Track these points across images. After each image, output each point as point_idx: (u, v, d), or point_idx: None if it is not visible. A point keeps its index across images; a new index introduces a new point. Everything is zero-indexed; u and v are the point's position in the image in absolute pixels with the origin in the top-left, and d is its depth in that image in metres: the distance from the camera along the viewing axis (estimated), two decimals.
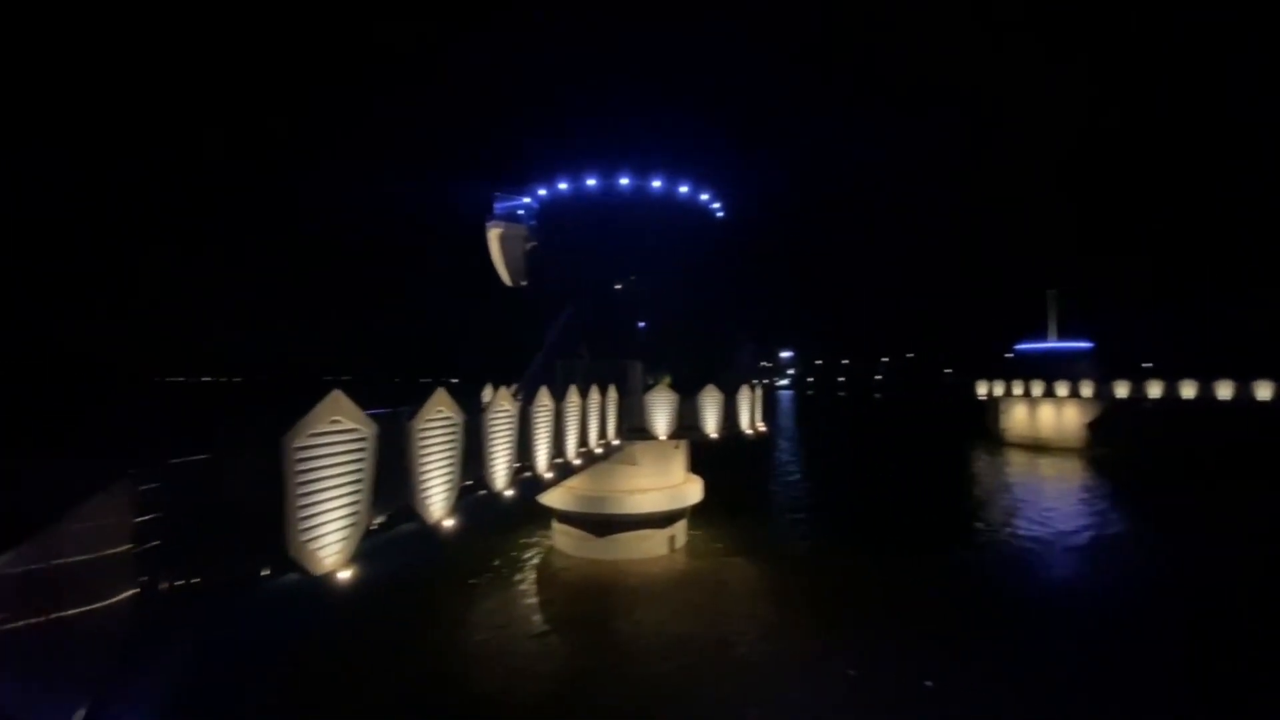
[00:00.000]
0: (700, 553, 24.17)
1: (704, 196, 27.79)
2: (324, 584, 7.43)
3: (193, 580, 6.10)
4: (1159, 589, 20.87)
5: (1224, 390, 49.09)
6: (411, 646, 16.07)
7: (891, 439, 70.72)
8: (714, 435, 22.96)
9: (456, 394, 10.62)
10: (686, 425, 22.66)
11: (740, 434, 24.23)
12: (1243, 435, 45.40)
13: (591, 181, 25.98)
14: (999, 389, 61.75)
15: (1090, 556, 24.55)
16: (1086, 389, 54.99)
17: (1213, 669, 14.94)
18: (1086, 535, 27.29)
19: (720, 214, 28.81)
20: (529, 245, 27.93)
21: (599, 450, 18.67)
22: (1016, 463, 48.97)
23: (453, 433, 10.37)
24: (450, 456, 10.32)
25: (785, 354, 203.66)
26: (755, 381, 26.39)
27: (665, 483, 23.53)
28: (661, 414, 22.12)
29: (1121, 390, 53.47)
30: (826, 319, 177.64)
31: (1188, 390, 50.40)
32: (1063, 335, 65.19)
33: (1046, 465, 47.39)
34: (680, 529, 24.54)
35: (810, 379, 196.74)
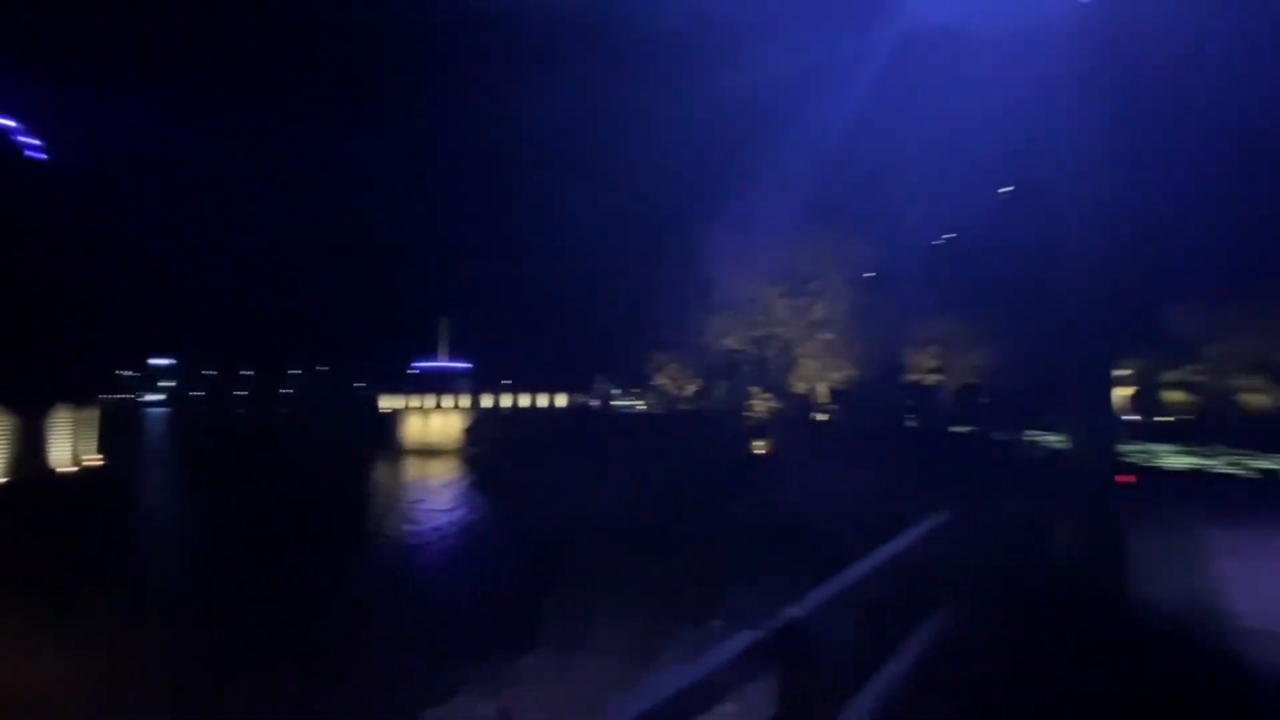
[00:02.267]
0: None
1: (9, 122, 19.05)
2: None
3: None
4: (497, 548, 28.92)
5: (541, 400, 72.09)
6: None
7: (293, 456, 66.53)
8: (2, 479, 15.73)
9: None
10: None
11: (53, 473, 17.59)
12: (545, 428, 67.77)
13: None
14: (400, 402, 69.38)
15: (458, 535, 31.44)
16: (464, 401, 69.07)
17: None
18: (453, 516, 34.76)
19: (40, 155, 20.39)
20: None
21: None
22: (411, 466, 56.48)
23: None
24: None
25: (160, 361, 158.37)
26: (104, 397, 20.05)
27: None
28: None
29: (487, 401, 70.02)
30: (223, 323, 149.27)
31: (523, 401, 71.18)
32: (452, 356, 79.79)
33: (434, 466, 56.65)
34: None
35: (199, 393, 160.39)
